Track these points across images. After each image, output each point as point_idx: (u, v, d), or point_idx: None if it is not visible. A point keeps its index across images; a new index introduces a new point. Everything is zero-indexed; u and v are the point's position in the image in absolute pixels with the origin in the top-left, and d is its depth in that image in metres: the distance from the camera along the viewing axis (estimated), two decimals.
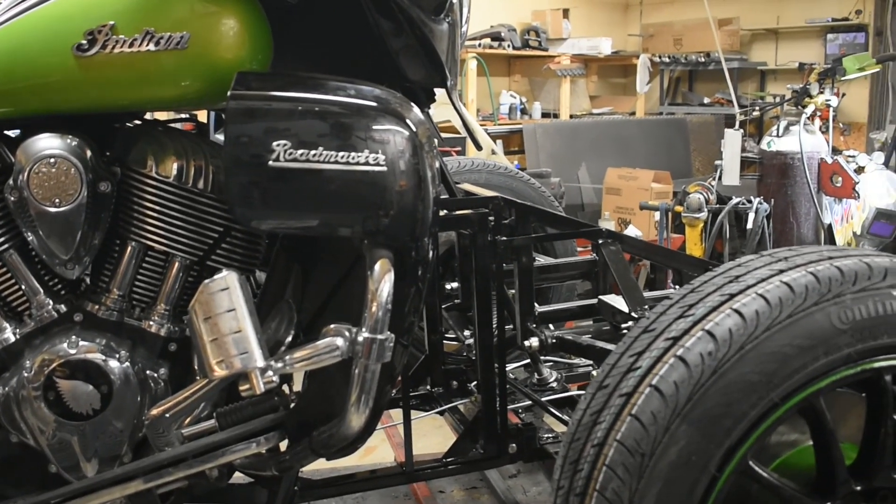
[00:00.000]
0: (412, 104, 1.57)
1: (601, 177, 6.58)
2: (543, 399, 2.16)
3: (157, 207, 1.66)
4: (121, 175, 1.66)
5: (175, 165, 1.65)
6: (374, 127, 1.48)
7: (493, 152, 5.55)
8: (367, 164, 1.46)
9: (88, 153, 1.60)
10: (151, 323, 1.71)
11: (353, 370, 1.51)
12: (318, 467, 2.38)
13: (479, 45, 7.98)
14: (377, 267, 1.50)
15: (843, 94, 8.09)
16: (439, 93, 1.92)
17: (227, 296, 1.44)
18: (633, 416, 1.24)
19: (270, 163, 1.43)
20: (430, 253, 1.59)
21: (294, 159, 1.44)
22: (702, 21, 8.25)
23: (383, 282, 1.49)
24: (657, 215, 4.49)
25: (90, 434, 1.66)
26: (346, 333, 1.50)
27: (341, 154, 1.45)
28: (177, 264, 1.69)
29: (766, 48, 9.39)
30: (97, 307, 1.69)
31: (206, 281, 1.46)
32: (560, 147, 7.56)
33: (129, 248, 1.68)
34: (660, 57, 9.25)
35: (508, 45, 8.30)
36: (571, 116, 8.67)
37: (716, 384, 1.22)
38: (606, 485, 1.24)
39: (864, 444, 1.35)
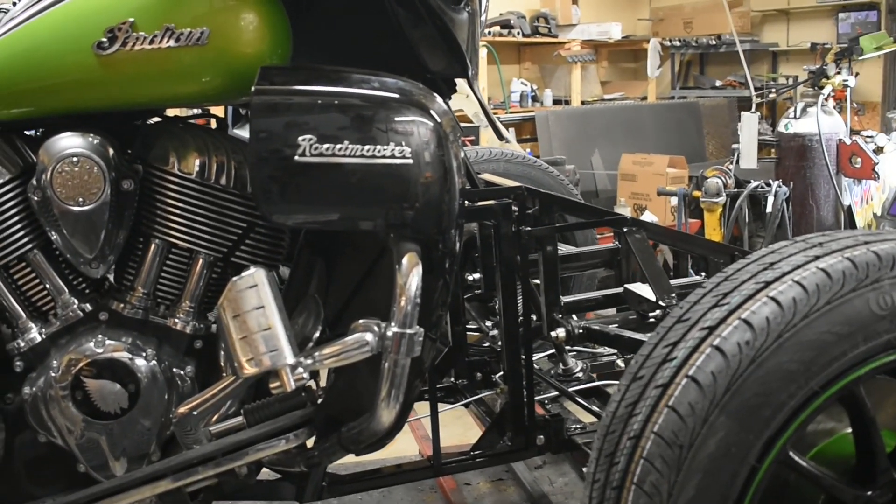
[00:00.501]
0: (435, 95, 1.56)
1: (615, 163, 6.56)
2: (570, 389, 2.14)
3: (181, 204, 1.65)
4: (143, 173, 1.66)
5: (197, 162, 1.65)
6: (399, 119, 1.47)
7: (507, 140, 5.52)
8: (392, 156, 1.45)
9: (111, 151, 1.59)
10: (177, 320, 1.70)
11: (382, 365, 1.50)
12: (343, 462, 2.38)
13: (489, 32, 7.94)
14: (405, 261, 1.49)
15: (857, 74, 8.05)
16: (459, 82, 1.91)
17: (256, 293, 1.43)
18: (670, 408, 1.22)
19: (296, 158, 1.42)
20: (457, 245, 1.58)
21: (320, 154, 1.42)
22: (712, 3, 8.19)
23: (412, 275, 1.48)
24: (674, 201, 4.46)
25: (118, 433, 1.66)
26: (376, 328, 1.49)
27: (367, 147, 1.43)
28: (201, 261, 1.69)
29: (777, 29, 9.32)
30: (122, 305, 1.69)
31: (234, 278, 1.45)
32: (572, 134, 7.54)
33: (153, 246, 1.68)
34: (670, 41, 9.19)
35: (518, 33, 8.26)
36: (583, 103, 8.63)
37: (754, 374, 1.20)
38: (644, 477, 1.22)
39: None
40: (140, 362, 1.65)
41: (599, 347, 2.39)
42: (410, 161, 1.46)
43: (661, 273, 1.95)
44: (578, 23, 8.71)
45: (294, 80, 1.47)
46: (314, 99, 1.45)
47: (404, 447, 2.85)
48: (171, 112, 1.83)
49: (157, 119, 1.78)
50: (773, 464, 1.23)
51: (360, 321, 1.51)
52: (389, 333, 1.48)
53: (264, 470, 1.84)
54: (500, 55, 7.68)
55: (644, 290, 1.97)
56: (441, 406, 2.33)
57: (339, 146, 1.43)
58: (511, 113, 7.99)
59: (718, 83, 9.32)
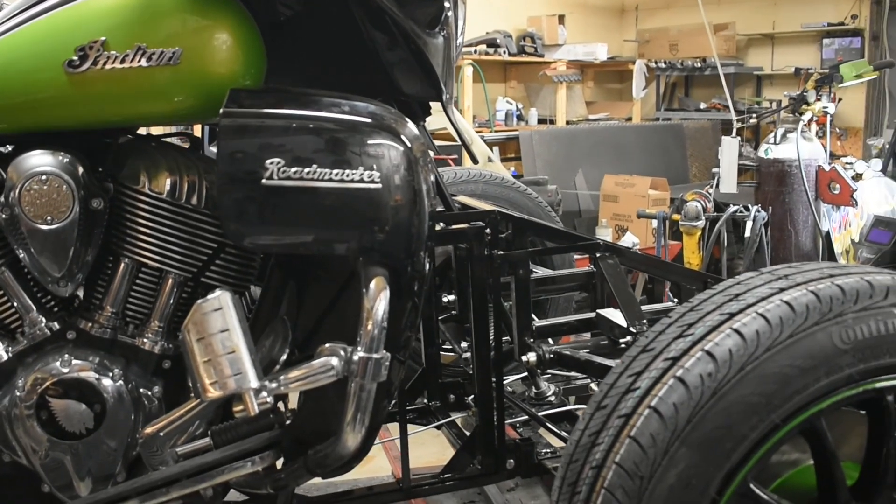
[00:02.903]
0: (406, 119, 1.56)
1: (598, 183, 6.57)
2: (541, 413, 2.14)
3: (151, 224, 1.65)
4: (114, 191, 1.65)
5: (168, 181, 1.64)
6: (369, 143, 1.47)
7: (490, 160, 5.53)
8: (361, 181, 1.44)
9: (80, 170, 1.58)
10: (145, 340, 1.70)
11: (348, 389, 1.49)
12: (315, 482, 2.37)
13: (475, 51, 7.97)
14: (372, 285, 1.49)
15: (840, 100, 8.08)
16: (435, 105, 1.91)
17: (221, 316, 1.43)
18: (632, 438, 1.22)
19: (264, 181, 1.42)
20: (427, 267, 1.58)
21: (288, 177, 1.42)
22: (697, 26, 8.24)
23: (378, 300, 1.48)
24: (655, 223, 4.47)
25: (83, 453, 1.65)
26: (342, 353, 1.49)
27: (336, 171, 1.43)
28: (170, 281, 1.68)
29: (762, 53, 9.40)
30: (90, 325, 1.68)
31: (200, 301, 1.44)
32: (556, 153, 7.56)
33: (123, 265, 1.67)
34: (656, 62, 9.25)
35: (504, 52, 8.29)
36: (568, 122, 8.67)
37: (716, 406, 1.20)
38: None
39: (866, 464, 1.34)
40: (106, 382, 1.64)
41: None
42: (380, 185, 1.46)
43: (633, 299, 1.95)
44: (564, 43, 8.75)
45: (263, 103, 1.47)
46: (283, 122, 1.44)
47: (380, 465, 2.83)
48: (144, 130, 1.83)
49: (129, 137, 1.78)
50: (733, 496, 1.23)
51: (327, 345, 1.50)
52: (355, 358, 1.47)
53: (232, 492, 1.83)
54: (487, 74, 7.70)
55: (616, 315, 1.98)
56: (414, 427, 2.33)
57: (307, 170, 1.42)
58: (496, 132, 8.01)
59: (703, 105, 9.38)
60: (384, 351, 1.48)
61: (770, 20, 9.11)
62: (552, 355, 1.99)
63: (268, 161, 1.42)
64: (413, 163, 1.49)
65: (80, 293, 1.73)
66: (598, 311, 2.04)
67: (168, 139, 1.86)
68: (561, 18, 8.82)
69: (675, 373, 1.23)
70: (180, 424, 1.63)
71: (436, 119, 6.07)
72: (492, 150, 6.91)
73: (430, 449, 2.75)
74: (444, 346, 2.57)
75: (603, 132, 8.18)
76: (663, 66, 9.22)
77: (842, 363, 1.24)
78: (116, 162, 1.68)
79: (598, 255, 2.07)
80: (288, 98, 1.50)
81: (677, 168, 8.14)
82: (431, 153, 2.17)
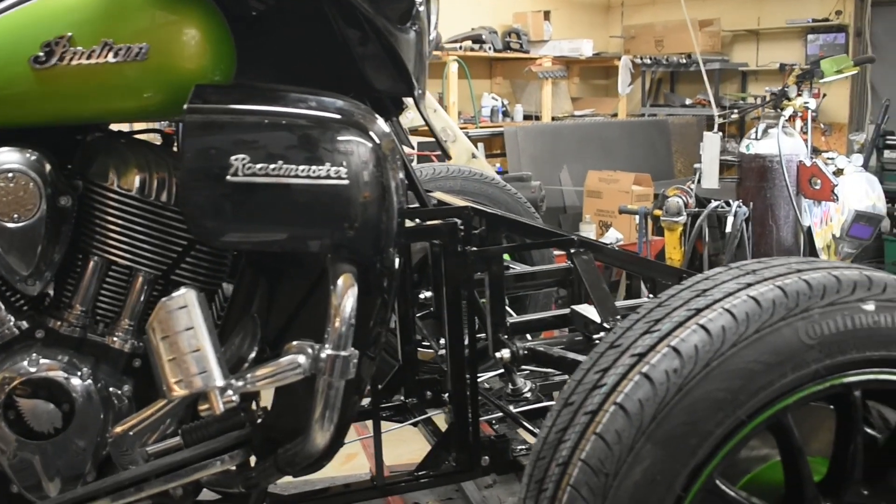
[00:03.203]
0: (376, 115, 1.55)
1: (583, 179, 6.57)
2: (517, 410, 2.13)
3: (120, 221, 1.64)
4: (83, 188, 1.63)
5: (137, 178, 1.63)
6: (336, 139, 1.46)
7: (474, 156, 5.52)
8: (328, 177, 1.43)
9: (48, 167, 1.57)
10: (115, 339, 1.68)
11: (316, 387, 1.48)
12: (292, 481, 2.36)
13: (461, 47, 7.96)
14: (340, 282, 1.48)
15: (825, 95, 8.09)
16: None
17: (186, 314, 1.41)
18: (597, 435, 1.22)
19: (228, 177, 1.41)
20: (396, 263, 1.57)
21: (253, 174, 1.41)
22: (683, 22, 8.23)
23: (346, 297, 1.47)
24: (637, 219, 4.47)
25: (52, 453, 1.63)
26: (309, 350, 1.48)
27: (302, 168, 1.42)
28: (140, 279, 1.67)
29: (747, 49, 9.41)
30: (60, 323, 1.67)
31: (164, 299, 1.43)
32: (541, 149, 7.56)
33: (92, 263, 1.66)
34: (641, 58, 9.25)
35: (490, 48, 8.28)
36: (553, 118, 8.67)
37: (681, 402, 1.20)
38: None
39: (834, 460, 1.33)
40: (75, 381, 1.62)
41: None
42: (347, 182, 1.45)
43: (607, 295, 1.94)
44: (550, 39, 8.75)
45: (228, 99, 1.46)
46: (248, 118, 1.43)
47: (362, 463, 2.82)
48: (115, 127, 1.81)
49: (98, 134, 1.76)
50: (699, 493, 1.22)
51: (294, 343, 1.49)
52: (323, 355, 1.46)
53: (205, 491, 1.82)
54: (472, 70, 7.70)
55: (590, 311, 1.97)
56: (390, 425, 2.32)
57: (273, 166, 1.41)
58: (481, 128, 8.01)
59: (688, 101, 9.39)
60: (352, 348, 1.47)
61: (755, 16, 9.13)
62: (526, 352, 1.98)
63: (232, 157, 1.40)
64: (381, 159, 1.48)
65: (50, 291, 1.71)
66: (573, 307, 2.03)
67: (140, 136, 1.85)
68: (546, 14, 8.82)
69: (641, 369, 1.23)
70: (150, 423, 1.62)
71: (417, 117, 6.05)
72: (476, 146, 6.90)
73: (412, 446, 2.74)
74: (422, 343, 2.57)
75: (588, 128, 8.18)
76: (649, 62, 9.22)
77: (808, 358, 1.23)
78: (85, 159, 1.67)
79: (572, 251, 2.06)
80: (254, 94, 1.49)
81: (662, 164, 8.15)
82: (407, 149, 2.17)
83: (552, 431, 1.30)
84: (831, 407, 1.36)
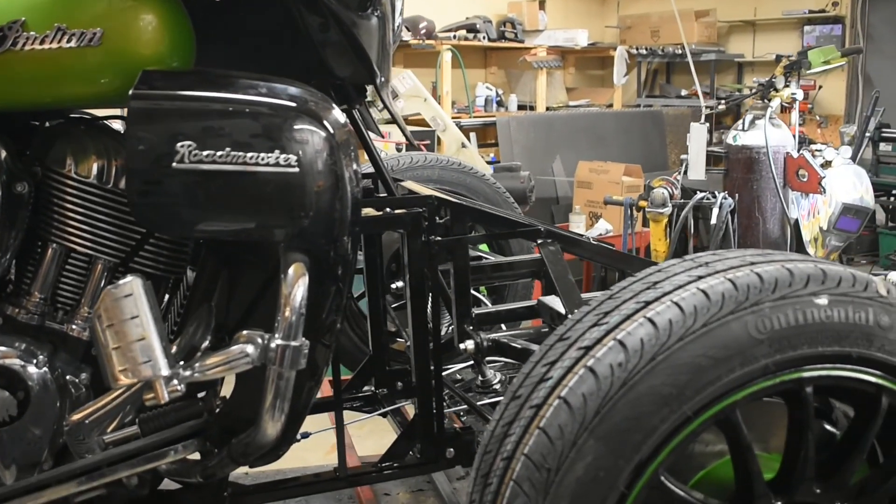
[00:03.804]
0: (331, 104, 1.53)
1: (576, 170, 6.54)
2: (485, 402, 2.11)
3: (79, 209, 1.62)
4: (41, 175, 1.62)
5: (95, 165, 1.62)
6: (287, 126, 1.43)
7: (464, 145, 5.49)
8: (277, 164, 1.41)
9: (3, 153, 1.55)
10: (74, 327, 1.67)
11: (266, 377, 1.47)
12: (264, 470, 2.34)
13: (455, 36, 7.93)
14: (290, 271, 1.46)
15: (820, 87, 8.09)
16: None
17: (132, 302, 1.39)
18: (541, 430, 1.20)
19: (174, 164, 1.39)
20: (351, 253, 1.55)
21: (199, 161, 1.39)
22: (679, 13, 8.22)
23: (297, 286, 1.45)
24: (624, 210, 4.45)
25: (7, 441, 1.62)
26: (259, 340, 1.46)
27: (250, 155, 1.40)
28: (100, 267, 1.65)
29: (743, 40, 9.37)
30: (18, 310, 1.65)
31: (110, 287, 1.41)
32: (534, 140, 7.53)
33: (51, 251, 1.64)
34: (637, 49, 9.21)
35: (484, 37, 8.24)
36: (548, 109, 8.63)
37: (625, 397, 1.17)
38: (513, 500, 1.20)
39: (785, 457, 1.31)
40: (31, 369, 1.60)
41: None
42: (296, 170, 1.42)
43: (573, 286, 1.92)
44: (545, 28, 8.71)
45: (176, 84, 1.43)
46: (195, 104, 1.41)
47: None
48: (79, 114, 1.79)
49: (58, 121, 1.74)
50: (644, 489, 1.20)
51: (245, 332, 1.47)
52: (273, 345, 1.44)
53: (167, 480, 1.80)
54: (466, 59, 7.65)
55: (556, 302, 1.95)
56: (358, 415, 2.30)
57: (220, 153, 1.39)
58: (474, 118, 7.97)
59: (684, 92, 9.35)
60: (303, 338, 1.46)
61: (751, 7, 9.08)
62: (490, 343, 1.96)
63: (178, 144, 1.38)
64: (334, 147, 1.46)
65: (10, 279, 1.70)
66: (540, 298, 2.01)
67: (106, 122, 1.83)
68: (541, 4, 8.78)
69: (587, 362, 1.20)
70: (107, 412, 1.60)
71: (408, 104, 6.00)
72: (469, 136, 6.88)
73: (390, 438, 2.73)
74: (398, 334, 2.55)
75: (582, 118, 8.15)
76: (644, 52, 9.18)
77: (757, 353, 1.21)
78: (43, 145, 1.65)
79: (539, 241, 2.04)
80: (204, 79, 1.46)
81: (656, 155, 8.13)
82: (375, 136, 2.15)
83: (499, 425, 1.28)
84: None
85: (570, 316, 1.56)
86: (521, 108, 8.62)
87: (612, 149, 7.53)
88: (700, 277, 1.26)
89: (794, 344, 1.23)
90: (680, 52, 8.87)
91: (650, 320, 1.21)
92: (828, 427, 1.41)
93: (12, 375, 1.60)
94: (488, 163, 5.92)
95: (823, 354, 1.25)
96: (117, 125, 1.74)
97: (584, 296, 1.92)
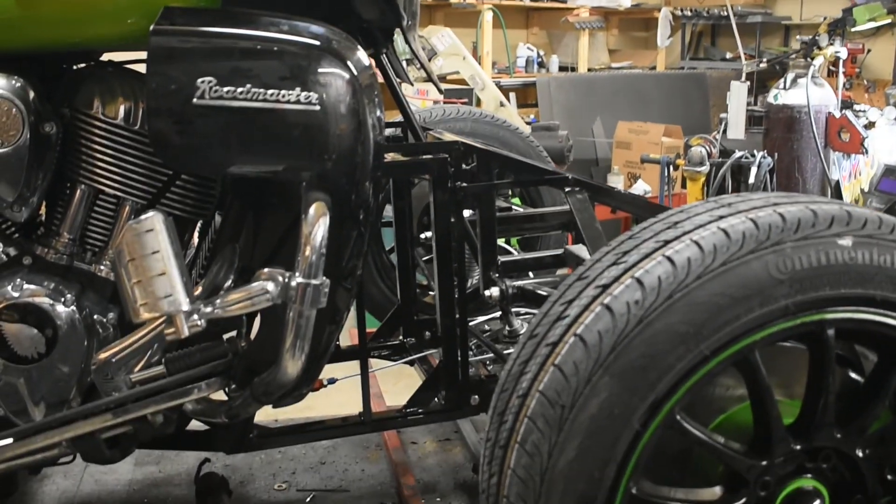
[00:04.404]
0: (355, 44, 1.52)
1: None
2: (509, 351, 2.10)
3: (106, 150, 1.64)
4: (70, 117, 1.63)
5: (123, 107, 1.63)
6: (308, 65, 1.43)
7: (502, 104, 5.46)
8: (298, 102, 1.41)
9: (31, 94, 1.57)
10: (102, 267, 1.69)
11: (286, 315, 1.47)
12: (293, 416, 2.37)
13: None
14: (311, 210, 1.46)
15: (869, 51, 7.90)
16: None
17: (153, 237, 1.40)
18: (556, 367, 1.19)
19: (195, 101, 1.39)
20: (373, 197, 1.54)
21: (220, 97, 1.39)
22: None
23: (317, 225, 1.45)
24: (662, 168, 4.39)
25: (36, 378, 1.65)
26: (279, 278, 1.46)
27: (271, 92, 1.40)
28: (128, 208, 1.67)
29: (791, 2, 9.16)
30: (47, 251, 1.67)
31: (131, 222, 1.42)
32: (574, 101, 7.44)
33: (80, 192, 1.66)
34: (682, 10, 9.04)
35: None
36: (590, 70, 8.52)
37: (641, 334, 1.16)
38: (527, 437, 1.20)
39: (806, 402, 1.29)
40: (59, 308, 1.63)
41: None
42: (318, 108, 1.42)
43: (600, 234, 1.91)
44: None
45: (197, 21, 1.43)
46: (217, 41, 1.41)
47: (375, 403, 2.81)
48: (107, 56, 1.80)
49: (85, 63, 1.75)
50: (659, 428, 1.19)
51: (266, 270, 1.48)
52: (293, 283, 1.45)
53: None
54: (507, 19, 7.58)
55: (583, 251, 1.94)
56: (385, 363, 2.31)
57: (240, 89, 1.39)
58: (514, 78, 7.90)
59: (729, 55, 9.18)
60: (323, 277, 1.46)
61: None
62: (515, 290, 1.96)
63: (199, 80, 1.38)
64: (357, 90, 1.45)
65: (40, 220, 1.72)
66: (567, 247, 2.00)
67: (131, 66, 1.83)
68: None
69: (603, 300, 1.20)
70: (133, 350, 1.62)
71: (448, 63, 5.94)
72: (508, 97, 6.83)
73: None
74: (427, 287, 2.56)
75: (623, 80, 8.04)
76: (689, 14, 9.00)
77: (777, 294, 1.19)
78: (71, 88, 1.66)
79: (567, 189, 2.02)
80: (226, 16, 1.46)
81: (699, 118, 7.99)
82: (408, 87, 2.14)
83: (515, 363, 1.28)
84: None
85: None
86: (562, 69, 8.52)
87: (653, 111, 7.42)
88: (721, 217, 1.25)
89: (815, 285, 1.21)
90: (725, 14, 8.70)
91: (668, 258, 1.20)
92: (851, 374, 1.39)
93: (41, 314, 1.63)
94: (527, 123, 5.87)
95: (846, 296, 1.23)
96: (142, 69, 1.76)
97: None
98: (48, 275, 1.66)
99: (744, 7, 8.48)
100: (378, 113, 1.51)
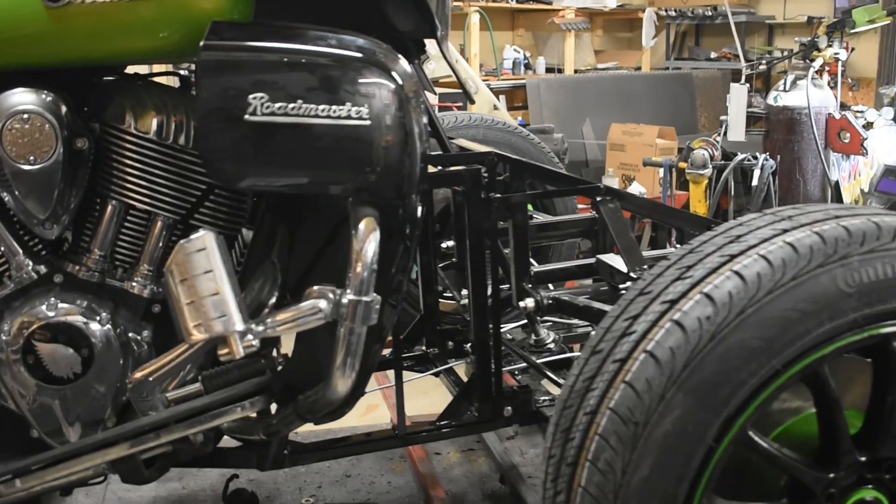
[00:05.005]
0: (399, 55, 1.50)
1: (606, 133, 6.49)
2: (540, 361, 2.10)
3: (138, 165, 1.62)
4: (99, 131, 1.61)
5: (154, 121, 1.61)
6: (358, 79, 1.41)
7: (495, 108, 5.45)
8: (349, 117, 1.39)
9: (63, 109, 1.54)
10: (134, 284, 1.66)
11: (337, 333, 1.46)
12: (315, 429, 2.35)
13: None
14: (362, 226, 1.44)
15: (853, 49, 7.95)
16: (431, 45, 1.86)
17: (205, 256, 1.39)
18: (627, 384, 1.18)
19: (247, 117, 1.37)
20: (418, 210, 1.53)
21: (272, 113, 1.37)
22: None
23: (368, 241, 1.44)
24: (661, 172, 4.40)
25: (71, 398, 1.63)
26: (331, 295, 1.45)
27: (322, 107, 1.38)
28: (159, 223, 1.65)
29: (774, 1, 9.22)
30: (78, 268, 1.65)
31: (182, 241, 1.40)
32: (564, 102, 7.46)
33: (110, 207, 1.64)
34: (666, 11, 9.08)
35: None
36: (576, 71, 8.54)
37: (714, 350, 1.16)
38: (599, 455, 1.19)
39: (870, 413, 1.30)
40: (94, 326, 1.61)
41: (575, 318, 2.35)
42: (368, 122, 1.41)
43: (634, 244, 1.90)
44: None
45: (246, 36, 1.41)
46: (267, 56, 1.39)
47: (383, 413, 2.81)
48: (133, 69, 1.78)
49: (115, 77, 1.73)
50: (731, 444, 1.19)
51: (316, 287, 1.46)
52: (345, 301, 1.43)
53: (225, 438, 1.80)
54: (493, 21, 7.58)
55: (617, 261, 1.93)
56: (411, 375, 2.30)
57: (292, 105, 1.37)
58: (503, 80, 7.90)
59: (713, 55, 9.23)
60: (374, 294, 1.44)
61: None
62: (550, 301, 1.95)
63: (251, 96, 1.37)
64: (404, 101, 1.44)
65: (69, 236, 1.69)
66: (599, 256, 1.99)
67: (157, 79, 1.81)
68: None
69: (673, 316, 1.19)
70: (170, 369, 1.60)
71: (440, 66, 5.95)
72: (498, 98, 6.82)
73: (433, 398, 2.72)
74: (444, 294, 2.54)
75: (611, 81, 8.06)
76: (673, 14, 9.05)
77: (846, 307, 1.19)
78: (101, 101, 1.64)
79: (598, 199, 2.01)
80: (273, 31, 1.44)
81: (686, 118, 8.03)
82: (430, 95, 2.12)
83: (579, 380, 1.27)
84: (868, 360, 1.32)
85: (645, 272, 1.54)
86: (548, 70, 8.53)
87: (641, 112, 7.45)
88: (785, 231, 1.24)
89: (882, 298, 1.21)
90: (710, 13, 8.74)
91: (737, 273, 1.19)
92: None
93: (76, 333, 1.61)
94: (519, 126, 5.87)
95: None
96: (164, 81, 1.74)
97: (645, 254, 1.91)
98: (81, 293, 1.64)
99: (728, 6, 8.51)
100: (424, 120, 1.49)
